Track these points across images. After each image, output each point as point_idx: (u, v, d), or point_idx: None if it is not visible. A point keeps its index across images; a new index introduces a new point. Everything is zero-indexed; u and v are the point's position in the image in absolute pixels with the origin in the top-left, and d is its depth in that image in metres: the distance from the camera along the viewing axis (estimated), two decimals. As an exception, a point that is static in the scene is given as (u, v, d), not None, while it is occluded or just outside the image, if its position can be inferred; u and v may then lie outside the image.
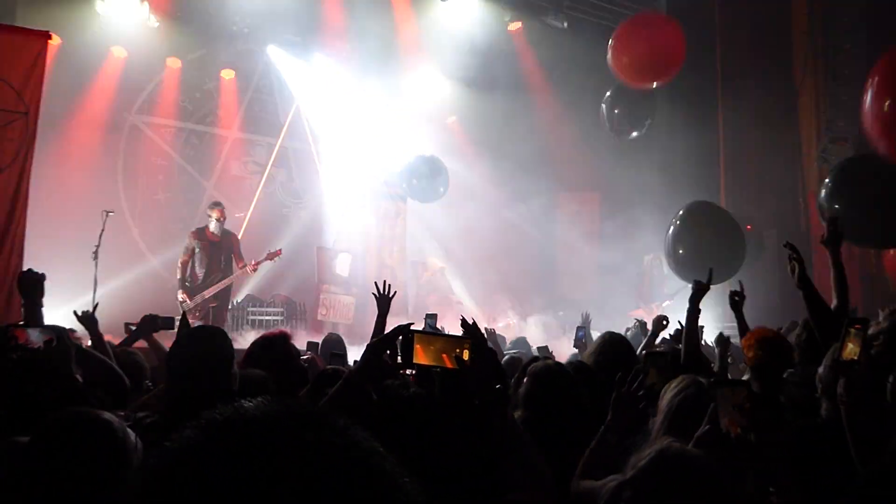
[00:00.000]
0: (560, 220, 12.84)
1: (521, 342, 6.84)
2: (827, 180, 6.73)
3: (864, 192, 6.34)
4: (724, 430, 1.87)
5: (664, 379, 2.57)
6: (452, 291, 12.03)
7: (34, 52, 6.12)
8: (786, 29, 10.46)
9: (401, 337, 2.14)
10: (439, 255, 12.18)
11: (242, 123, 11.68)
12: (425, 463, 1.82)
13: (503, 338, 7.15)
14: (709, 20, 11.36)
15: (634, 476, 1.41)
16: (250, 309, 10.03)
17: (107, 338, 3.76)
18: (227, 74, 11.33)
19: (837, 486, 2.04)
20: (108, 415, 1.77)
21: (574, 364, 3.50)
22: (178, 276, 8.73)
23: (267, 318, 9.96)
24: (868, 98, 6.45)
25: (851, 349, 2.35)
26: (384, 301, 3.92)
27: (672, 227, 8.39)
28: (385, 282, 4.03)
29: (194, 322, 6.85)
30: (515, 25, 12.07)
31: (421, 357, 2.12)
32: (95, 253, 7.74)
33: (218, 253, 8.83)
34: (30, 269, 3.47)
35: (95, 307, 4.15)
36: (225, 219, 8.93)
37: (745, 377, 3.21)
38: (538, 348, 6.01)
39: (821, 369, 2.52)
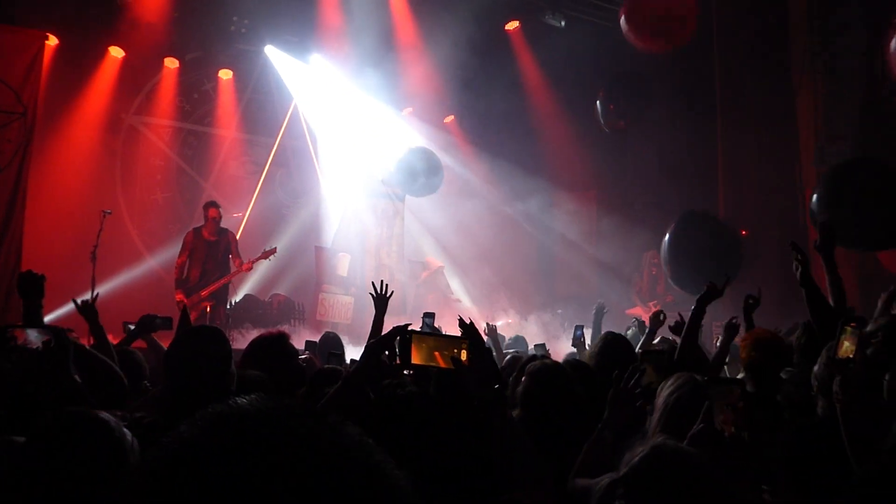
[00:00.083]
0: (558, 219, 12.85)
1: (520, 340, 6.84)
2: (817, 186, 6.77)
3: (851, 198, 6.36)
4: (718, 429, 1.87)
5: (661, 377, 2.57)
6: (451, 290, 12.04)
7: (32, 52, 6.14)
8: (784, 28, 10.47)
9: (398, 337, 2.15)
10: (437, 254, 12.19)
11: (240, 123, 11.68)
12: (423, 462, 1.83)
13: (502, 336, 7.16)
14: (707, 18, 11.36)
15: (627, 473, 1.42)
16: (249, 309, 10.02)
17: (105, 337, 3.76)
18: (226, 74, 11.33)
19: (833, 485, 2.05)
20: (104, 414, 1.77)
21: (571, 363, 3.51)
22: (175, 277, 8.74)
23: (266, 317, 9.96)
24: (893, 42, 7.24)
25: (847, 347, 2.36)
26: (381, 301, 3.93)
27: (668, 237, 8.37)
28: (382, 281, 4.04)
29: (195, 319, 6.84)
30: (513, 24, 12.07)
31: (418, 357, 2.13)
32: (93, 253, 7.73)
33: (215, 252, 8.84)
34: (29, 270, 3.47)
35: (96, 297, 4.14)
36: (221, 218, 8.93)
37: (739, 376, 3.23)
38: (535, 346, 6.02)
39: (816, 368, 2.53)
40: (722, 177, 11.44)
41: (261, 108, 11.88)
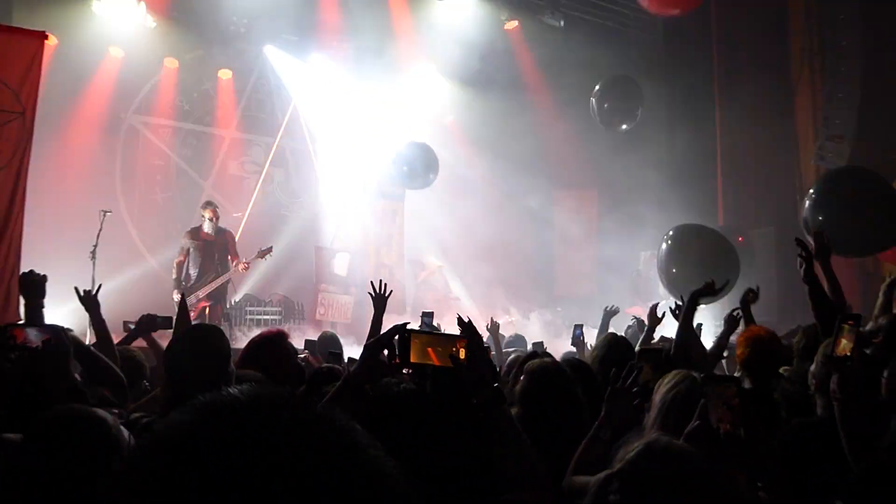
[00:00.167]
0: (558, 218, 12.85)
1: (519, 339, 6.84)
2: (811, 191, 6.76)
3: (842, 204, 6.38)
4: (714, 426, 1.88)
5: (658, 376, 2.57)
6: (450, 290, 12.04)
7: (31, 52, 6.11)
8: (782, 26, 10.49)
9: (397, 336, 2.15)
10: (437, 253, 12.19)
11: (240, 123, 11.68)
12: (421, 462, 1.83)
13: (502, 336, 7.16)
14: (705, 17, 11.37)
15: (622, 468, 1.43)
16: (249, 308, 10.04)
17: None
18: (225, 74, 11.32)
19: (830, 482, 2.05)
20: (102, 412, 1.78)
21: (570, 361, 3.52)
22: (174, 277, 8.76)
23: (265, 317, 9.96)
24: None
25: (845, 345, 2.36)
26: (380, 300, 3.94)
27: (663, 248, 8.27)
28: (381, 281, 4.05)
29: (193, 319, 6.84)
30: (512, 24, 12.07)
31: (416, 356, 2.13)
32: (93, 253, 7.73)
33: (212, 252, 8.86)
34: (31, 271, 3.48)
35: (98, 288, 4.14)
36: (218, 218, 8.96)
37: (735, 373, 3.23)
38: (533, 344, 6.03)
39: (813, 366, 2.54)
40: (721, 175, 11.46)
41: (260, 107, 11.88)
